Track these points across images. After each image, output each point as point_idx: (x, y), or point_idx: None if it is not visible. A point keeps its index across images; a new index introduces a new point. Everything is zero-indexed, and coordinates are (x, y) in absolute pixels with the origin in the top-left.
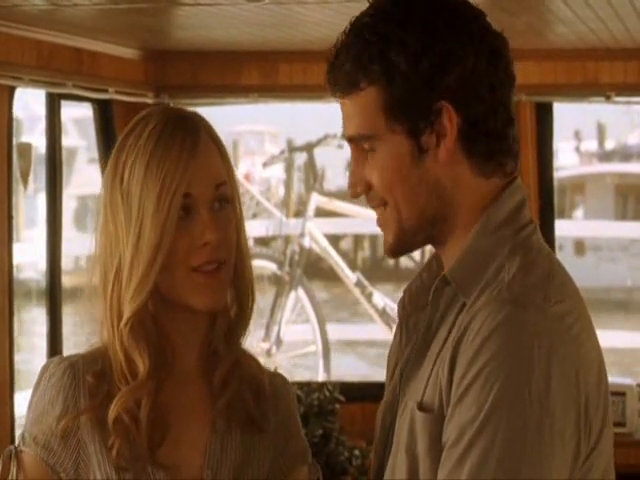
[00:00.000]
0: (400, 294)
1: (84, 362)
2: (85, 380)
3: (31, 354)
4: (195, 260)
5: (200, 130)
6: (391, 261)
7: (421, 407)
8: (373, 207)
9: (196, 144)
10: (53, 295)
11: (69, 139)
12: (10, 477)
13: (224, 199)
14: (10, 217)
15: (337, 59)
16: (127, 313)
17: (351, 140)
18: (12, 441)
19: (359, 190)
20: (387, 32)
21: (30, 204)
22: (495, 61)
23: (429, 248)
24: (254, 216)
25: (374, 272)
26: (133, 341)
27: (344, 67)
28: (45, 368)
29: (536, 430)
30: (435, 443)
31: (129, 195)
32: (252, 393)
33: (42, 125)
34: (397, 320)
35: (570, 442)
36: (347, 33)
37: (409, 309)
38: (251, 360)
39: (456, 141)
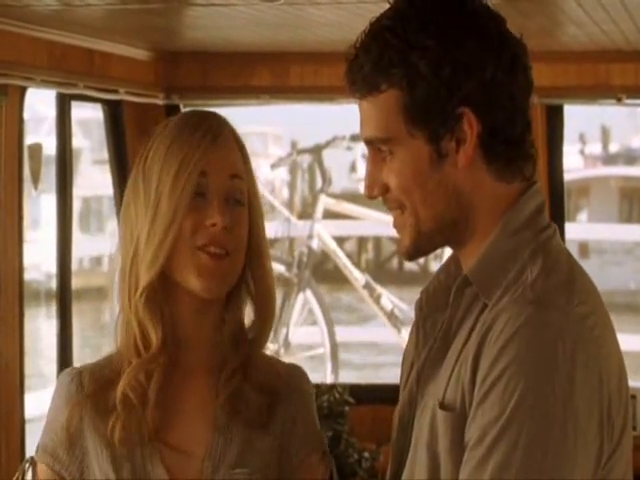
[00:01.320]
0: (403, 297)
1: (92, 369)
2: (89, 388)
3: (36, 357)
4: (200, 239)
5: (224, 126)
6: (395, 264)
7: (443, 406)
8: (390, 209)
9: (218, 135)
10: (63, 297)
11: (74, 140)
12: None
13: (238, 197)
14: (21, 218)
15: (356, 59)
16: (141, 284)
17: (369, 142)
18: (22, 443)
19: (376, 192)
20: (408, 36)
21: (34, 205)
22: (515, 68)
23: (432, 254)
24: None
25: (377, 274)
26: (147, 312)
27: (363, 68)
28: (58, 378)
29: (559, 431)
30: (457, 442)
31: (150, 172)
32: (259, 395)
33: (47, 126)
34: (415, 321)
35: (593, 443)
36: (367, 34)
37: (426, 310)
38: (267, 362)
39: (475, 147)
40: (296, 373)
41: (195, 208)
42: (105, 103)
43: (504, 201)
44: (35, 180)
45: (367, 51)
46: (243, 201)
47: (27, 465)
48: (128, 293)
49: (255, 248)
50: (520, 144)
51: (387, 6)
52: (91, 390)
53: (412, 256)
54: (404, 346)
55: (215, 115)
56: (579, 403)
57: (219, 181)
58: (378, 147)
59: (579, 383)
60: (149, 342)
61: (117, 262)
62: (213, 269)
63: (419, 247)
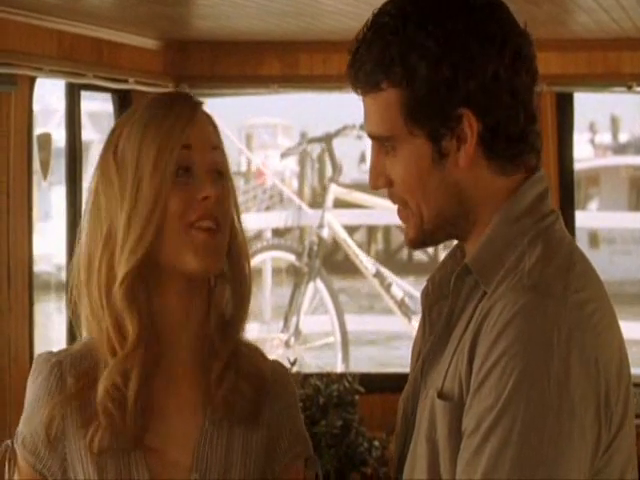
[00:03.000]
0: (413, 287)
1: (72, 359)
2: (71, 386)
3: (46, 347)
4: (192, 214)
5: (197, 103)
6: (405, 254)
7: (441, 395)
8: (394, 202)
9: (195, 112)
10: None
11: (84, 132)
12: (6, 473)
13: (220, 169)
14: (30, 209)
15: (358, 56)
16: (121, 273)
17: (372, 137)
18: None
19: (380, 184)
20: (408, 35)
21: (44, 197)
22: (518, 64)
23: (442, 244)
24: (267, 209)
25: (387, 264)
26: (126, 302)
27: (365, 65)
28: (36, 362)
29: (555, 417)
30: (455, 431)
31: (124, 161)
32: (251, 385)
33: (57, 118)
34: (421, 310)
35: (591, 430)
36: (369, 29)
37: (432, 298)
38: (252, 350)
39: (477, 146)
40: (281, 370)
41: (182, 184)
42: (115, 93)
43: (505, 192)
44: (44, 170)
45: (369, 48)
46: (225, 174)
47: (6, 452)
48: (98, 287)
49: (233, 224)
50: (523, 139)
51: None
52: (74, 389)
53: (416, 246)
54: (414, 334)
55: (186, 94)
56: (575, 390)
57: (203, 153)
58: (382, 141)
59: (574, 370)
60: (125, 336)
61: (81, 256)
62: (210, 245)
63: (422, 240)
